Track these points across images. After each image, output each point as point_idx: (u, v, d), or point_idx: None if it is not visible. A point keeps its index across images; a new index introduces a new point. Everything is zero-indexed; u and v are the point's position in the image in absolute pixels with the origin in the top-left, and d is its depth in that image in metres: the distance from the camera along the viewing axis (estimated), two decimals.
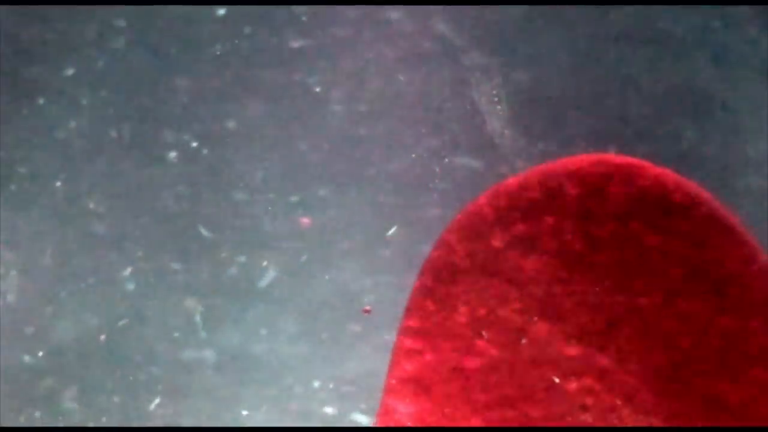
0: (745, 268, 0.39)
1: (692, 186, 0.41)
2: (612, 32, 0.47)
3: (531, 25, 0.48)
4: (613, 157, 0.41)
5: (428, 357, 0.39)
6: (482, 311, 0.39)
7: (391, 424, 0.39)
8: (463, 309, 0.40)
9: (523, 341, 0.39)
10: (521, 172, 0.44)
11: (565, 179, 0.40)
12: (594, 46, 0.47)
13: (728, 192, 0.44)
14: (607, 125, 0.46)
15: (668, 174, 0.41)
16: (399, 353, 0.40)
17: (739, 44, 0.47)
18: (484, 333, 0.39)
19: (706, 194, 0.40)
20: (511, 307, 0.39)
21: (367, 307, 0.42)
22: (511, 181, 0.41)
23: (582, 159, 0.41)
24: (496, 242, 0.40)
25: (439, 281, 0.40)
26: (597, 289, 0.39)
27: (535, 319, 0.39)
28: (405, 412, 0.39)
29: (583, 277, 0.39)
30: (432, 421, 0.39)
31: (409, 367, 0.40)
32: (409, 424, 0.39)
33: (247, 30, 0.48)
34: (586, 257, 0.39)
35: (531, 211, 0.40)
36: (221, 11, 0.48)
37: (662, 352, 0.38)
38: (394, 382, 0.40)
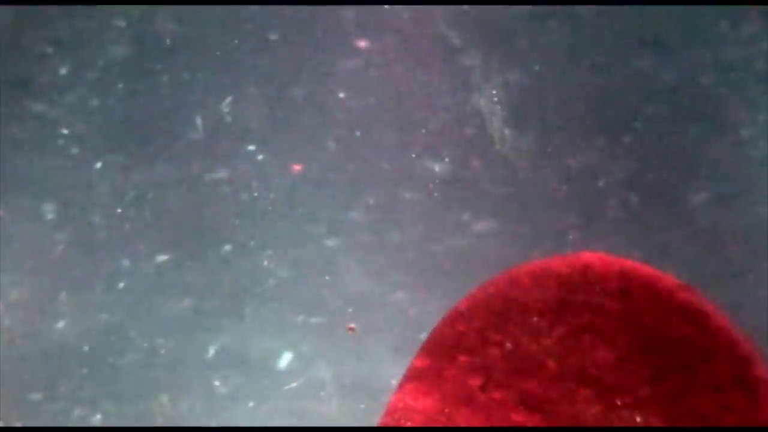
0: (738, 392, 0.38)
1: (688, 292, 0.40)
2: (612, 32, 0.47)
3: (531, 25, 0.48)
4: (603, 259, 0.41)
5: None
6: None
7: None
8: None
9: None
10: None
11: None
12: (594, 46, 0.47)
13: (727, 193, 0.44)
14: (606, 125, 0.46)
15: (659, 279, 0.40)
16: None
17: (739, 44, 0.47)
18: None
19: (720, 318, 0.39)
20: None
21: (352, 325, 0.42)
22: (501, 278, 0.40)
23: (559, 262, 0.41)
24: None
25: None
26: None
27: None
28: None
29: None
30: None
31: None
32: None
33: (247, 30, 0.48)
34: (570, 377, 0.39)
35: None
36: (221, 12, 0.48)
37: None
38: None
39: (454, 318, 0.40)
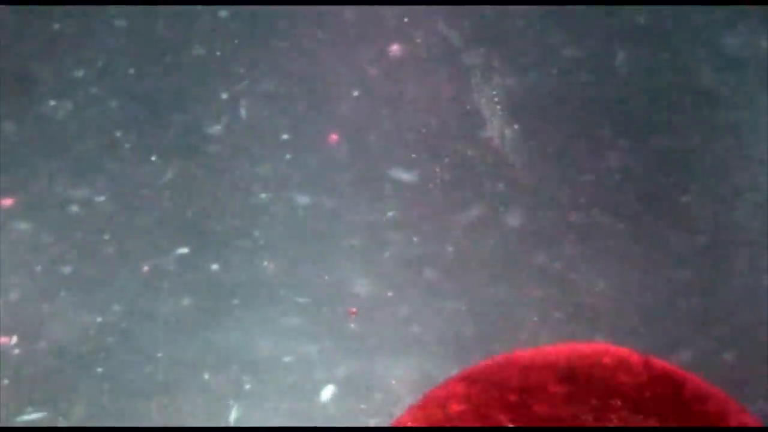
0: None
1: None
2: (612, 32, 0.47)
3: (531, 25, 0.48)
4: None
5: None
6: None
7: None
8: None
9: None
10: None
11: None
12: (594, 46, 0.47)
13: (727, 193, 0.44)
14: (607, 125, 0.46)
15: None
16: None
17: (739, 44, 0.47)
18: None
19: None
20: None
21: (354, 309, 0.42)
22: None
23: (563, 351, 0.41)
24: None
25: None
26: None
27: None
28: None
29: None
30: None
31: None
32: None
33: (247, 30, 0.48)
34: None
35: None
36: (222, 12, 0.48)
37: None
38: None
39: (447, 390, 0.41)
